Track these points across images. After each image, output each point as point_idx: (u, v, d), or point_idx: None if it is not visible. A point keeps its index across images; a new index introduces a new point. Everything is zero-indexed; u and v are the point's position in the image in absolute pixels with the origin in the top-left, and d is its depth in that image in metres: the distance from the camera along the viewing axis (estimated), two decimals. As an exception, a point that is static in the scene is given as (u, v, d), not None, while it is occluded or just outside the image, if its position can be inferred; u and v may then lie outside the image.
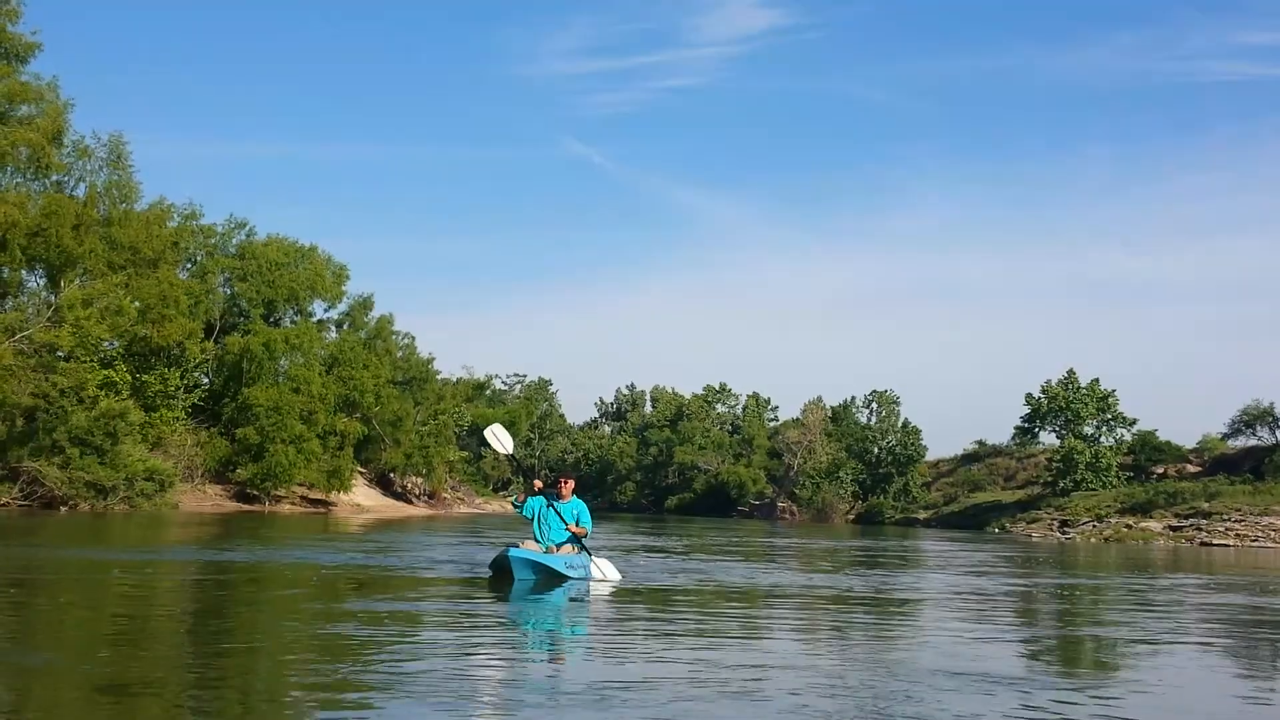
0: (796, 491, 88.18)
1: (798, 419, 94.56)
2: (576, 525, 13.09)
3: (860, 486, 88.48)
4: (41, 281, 34.66)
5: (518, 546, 12.25)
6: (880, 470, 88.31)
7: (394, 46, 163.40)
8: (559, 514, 13.07)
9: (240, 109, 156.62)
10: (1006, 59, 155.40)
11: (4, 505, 27.47)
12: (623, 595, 11.17)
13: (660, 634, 7.99)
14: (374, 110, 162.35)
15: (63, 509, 28.34)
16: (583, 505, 13.39)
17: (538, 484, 13.50)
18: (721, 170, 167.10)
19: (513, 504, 13.59)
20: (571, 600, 10.95)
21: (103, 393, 32.26)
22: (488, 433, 13.97)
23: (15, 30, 31.07)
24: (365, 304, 57.09)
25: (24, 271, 33.64)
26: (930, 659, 7.58)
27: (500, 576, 11.86)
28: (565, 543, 12.94)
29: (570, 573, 12.26)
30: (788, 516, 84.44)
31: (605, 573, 13.18)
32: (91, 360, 32.77)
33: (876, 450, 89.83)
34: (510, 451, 14.13)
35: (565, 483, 13.37)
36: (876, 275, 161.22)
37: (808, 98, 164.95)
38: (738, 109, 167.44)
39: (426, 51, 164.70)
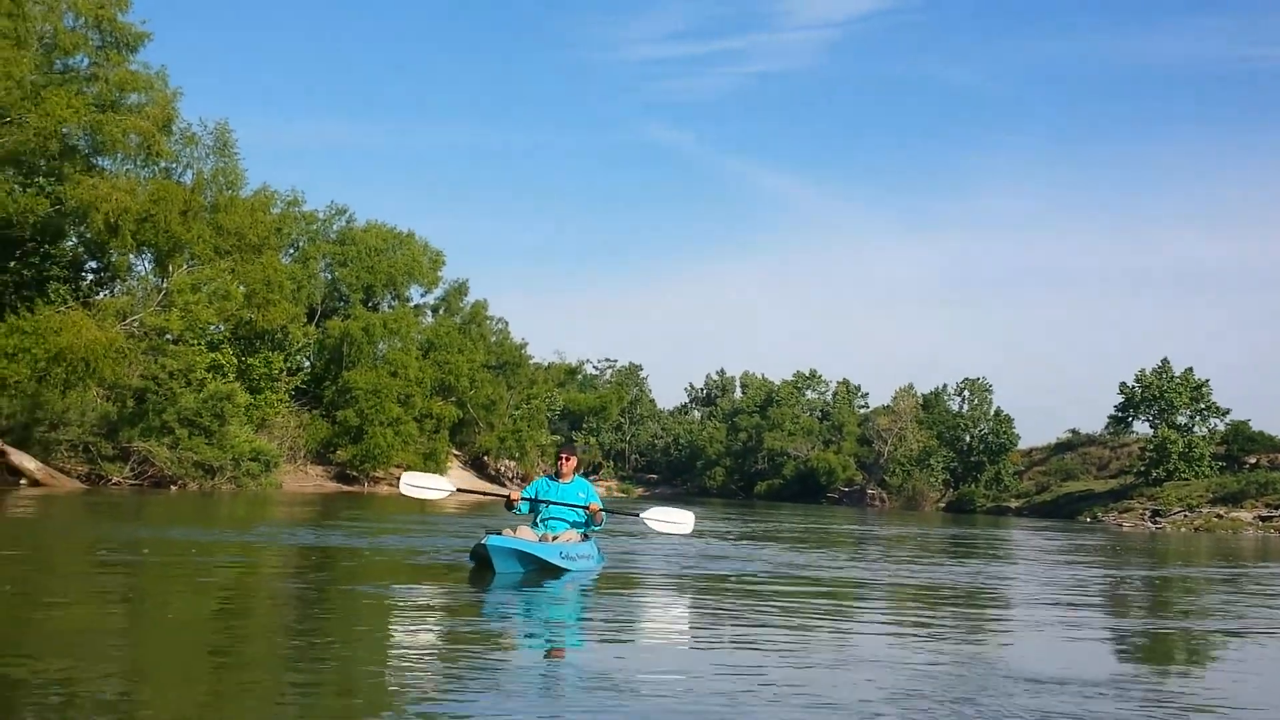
0: (886, 479, 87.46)
1: (888, 406, 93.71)
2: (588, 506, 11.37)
3: (951, 474, 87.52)
4: (149, 266, 35.84)
5: (499, 533, 10.30)
6: (972, 458, 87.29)
7: (487, 33, 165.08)
8: (568, 502, 11.32)
9: (337, 96, 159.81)
10: (1098, 41, 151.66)
11: (116, 484, 28.55)
12: (710, 585, 10.99)
13: (745, 626, 7.97)
14: (466, 97, 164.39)
15: (172, 488, 29.38)
16: (589, 487, 11.60)
17: (514, 495, 11.45)
18: (812, 155, 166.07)
19: (515, 512, 11.49)
20: (650, 591, 10.72)
21: (210, 375, 33.34)
22: (404, 486, 12.20)
23: (125, 20, 32.03)
24: (460, 289, 58.03)
25: (132, 256, 34.83)
26: (1020, 654, 7.56)
27: (482, 568, 10.09)
28: (567, 530, 11.11)
29: (566, 564, 10.38)
30: (877, 503, 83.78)
31: (669, 519, 12.29)
32: (199, 343, 33.86)
33: (968, 438, 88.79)
34: (446, 491, 12.39)
35: (566, 459, 11.45)
36: (968, 262, 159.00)
37: (897, 81, 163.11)
38: (827, 93, 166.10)
39: (516, 38, 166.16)
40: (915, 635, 8.14)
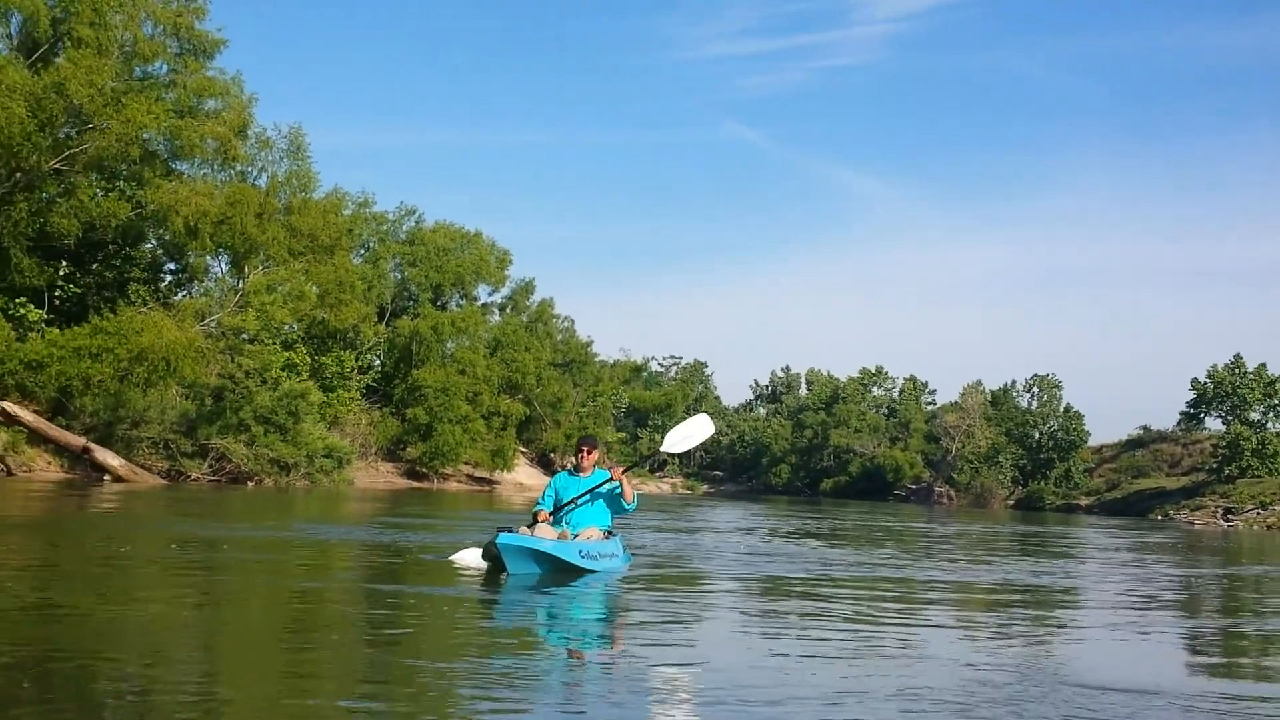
0: (954, 476, 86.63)
1: (956, 403, 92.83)
2: (610, 497, 10.63)
3: (1020, 471, 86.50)
4: (225, 267, 36.71)
5: (512, 530, 9.61)
6: (1041, 455, 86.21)
7: (558, 33, 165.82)
8: (591, 487, 10.60)
9: (407, 98, 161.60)
10: (1172, 35, 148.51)
11: (195, 480, 29.30)
12: (773, 585, 10.97)
13: (808, 626, 8.01)
14: (537, 96, 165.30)
15: (249, 484, 30.07)
16: (608, 475, 10.81)
17: (544, 515, 10.47)
18: (881, 151, 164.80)
19: (535, 513, 10.67)
20: (714, 592, 10.52)
21: (285, 374, 34.05)
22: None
23: (203, 28, 32.82)
24: (527, 288, 58.55)
25: (209, 258, 35.70)
26: (1088, 656, 7.50)
27: (496, 567, 9.47)
28: (589, 527, 10.44)
29: (586, 564, 9.68)
30: (945, 501, 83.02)
31: (687, 431, 11.59)
32: (274, 343, 34.59)
33: (1037, 435, 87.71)
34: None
35: (587, 452, 10.83)
36: (1038, 257, 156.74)
37: (966, 76, 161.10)
38: (896, 88, 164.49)
39: (586, 36, 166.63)
40: (982, 635, 8.16)
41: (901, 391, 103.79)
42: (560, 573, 9.39)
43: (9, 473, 25.73)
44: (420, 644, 6.37)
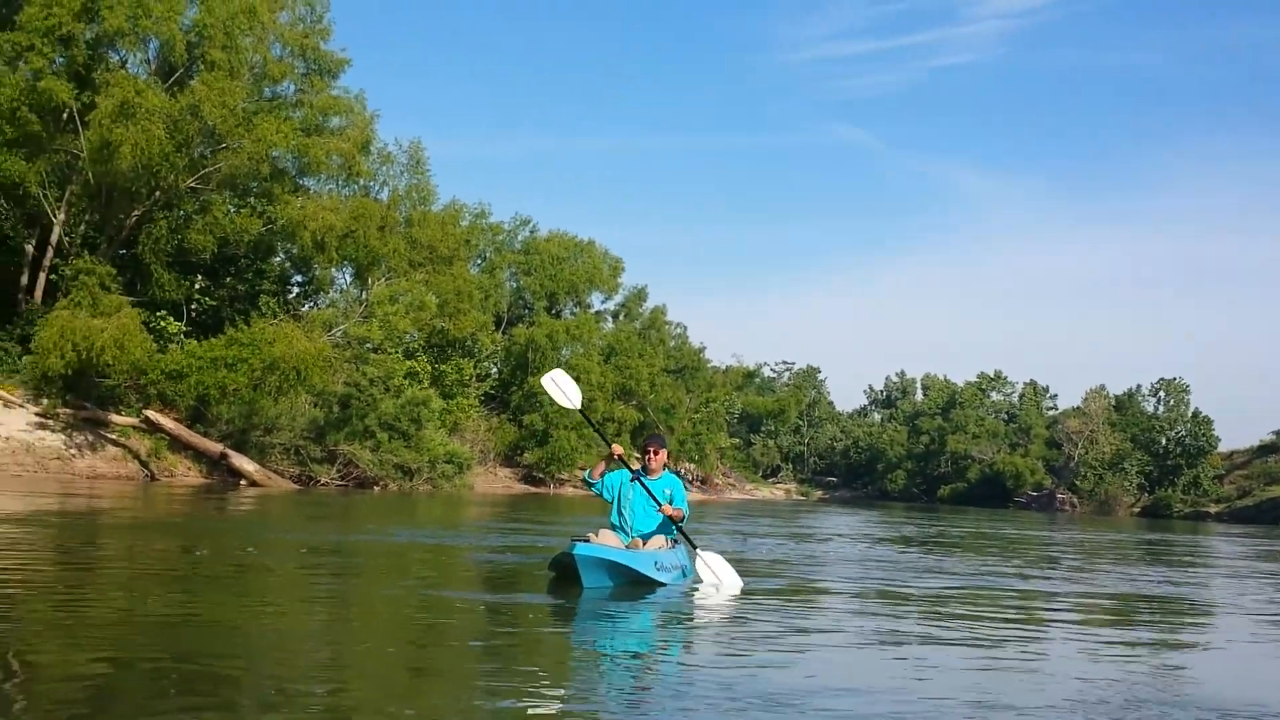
0: (1077, 483, 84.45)
1: (1079, 408, 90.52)
2: (670, 506, 9.99)
3: (1146, 478, 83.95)
4: (349, 279, 37.93)
5: (586, 540, 9.15)
6: (1168, 461, 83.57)
7: (661, 38, 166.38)
8: (648, 492, 9.95)
9: (518, 107, 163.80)
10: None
11: (324, 485, 30.31)
12: (888, 595, 10.72)
13: (927, 637, 7.93)
14: (642, 103, 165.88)
15: (375, 489, 31.01)
16: (677, 482, 10.33)
17: (618, 449, 10.18)
18: (996, 149, 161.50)
19: (584, 479, 10.53)
20: (828, 602, 10.16)
21: (407, 382, 35.01)
22: (546, 381, 11.15)
23: (327, 48, 33.99)
24: (639, 295, 59.05)
25: (334, 270, 36.94)
26: (1216, 672, 7.37)
27: (565, 578, 8.98)
28: (656, 533, 9.97)
29: (660, 575, 9.26)
30: (1067, 508, 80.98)
31: (720, 575, 9.94)
32: (397, 352, 35.59)
33: (1164, 440, 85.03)
34: (575, 405, 10.92)
35: (654, 452, 10.26)
36: (1163, 257, 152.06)
37: (1082, 71, 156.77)
38: (1008, 86, 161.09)
39: (695, 41, 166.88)
40: (1106, 648, 8.00)
41: (1021, 396, 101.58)
42: (631, 584, 8.97)
43: (152, 477, 27.02)
44: (532, 655, 6.46)
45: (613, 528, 9.97)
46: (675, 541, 10.18)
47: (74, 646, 5.51)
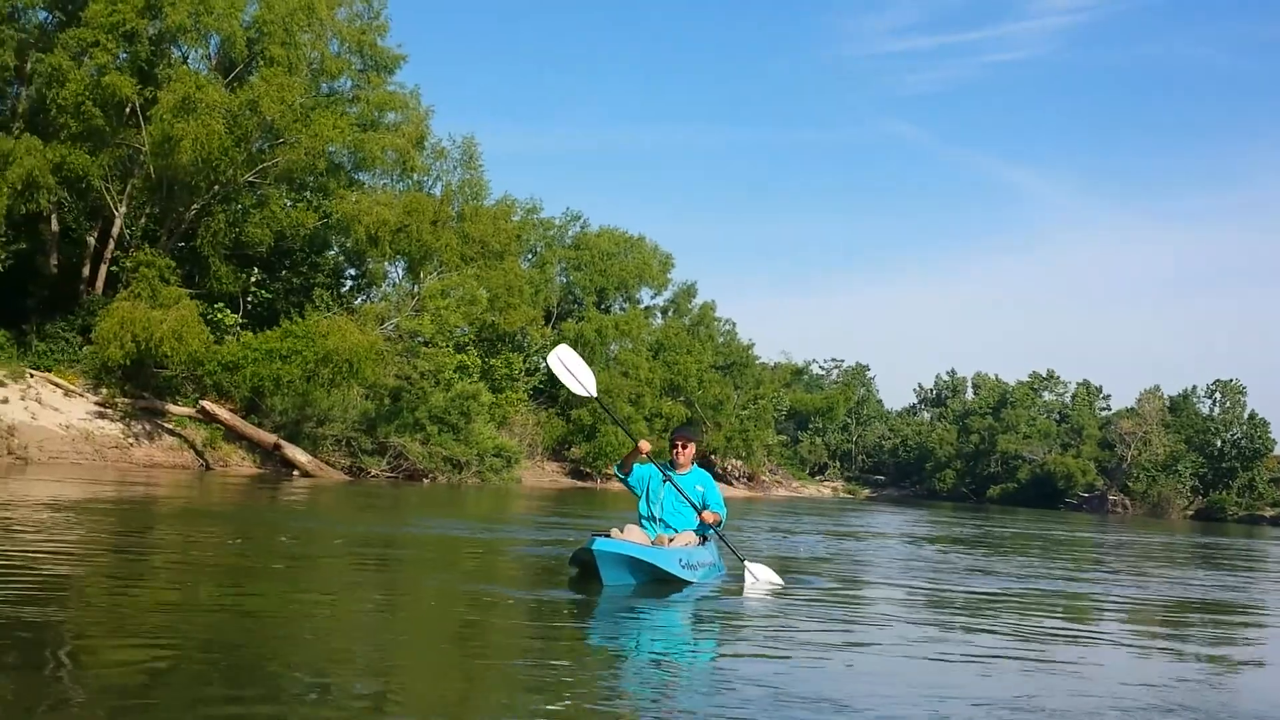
0: (1130, 484, 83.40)
1: (1132, 408, 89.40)
2: (704, 508, 9.56)
3: (1200, 481, 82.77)
4: (401, 273, 38.32)
5: (606, 535, 8.71)
6: (1223, 464, 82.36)
7: (717, 33, 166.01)
8: (677, 488, 9.53)
9: (568, 102, 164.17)
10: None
11: (374, 476, 30.70)
12: (936, 601, 10.59)
13: (975, 641, 7.87)
14: (693, 97, 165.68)
15: (425, 481, 31.35)
16: (709, 479, 9.86)
17: (645, 446, 9.50)
18: (1053, 147, 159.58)
19: (614, 472, 10.01)
20: (873, 604, 9.91)
21: (457, 375, 35.33)
22: (552, 360, 10.44)
23: (384, 44, 34.39)
24: (689, 291, 59.09)
25: (387, 264, 37.33)
26: (1272, 681, 7.35)
27: (586, 575, 8.66)
28: (685, 530, 9.51)
29: (686, 573, 8.87)
30: (1119, 510, 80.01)
31: (759, 576, 9.68)
32: (448, 346, 35.93)
33: (1219, 443, 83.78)
34: (589, 391, 10.30)
35: (683, 445, 9.76)
36: (1218, 255, 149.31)
37: (1143, 67, 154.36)
38: (1068, 82, 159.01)
39: (747, 37, 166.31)
40: (1155, 654, 7.93)
41: (1074, 396, 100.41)
42: (656, 582, 8.62)
43: (207, 467, 27.52)
44: (571, 652, 6.47)
45: (641, 521, 9.59)
46: (705, 537, 9.76)
47: (124, 635, 5.63)
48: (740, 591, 9.29)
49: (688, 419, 51.78)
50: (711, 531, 9.74)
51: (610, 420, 45.16)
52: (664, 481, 9.55)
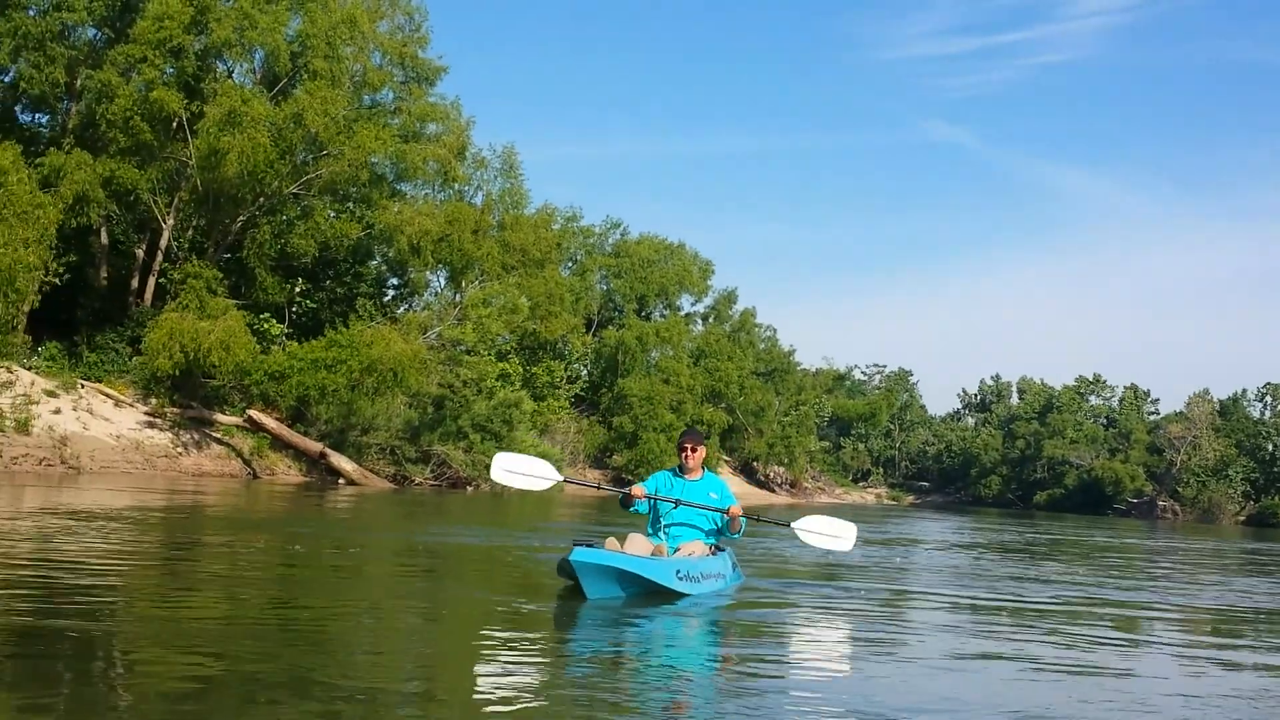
0: (1179, 490, 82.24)
1: (1181, 412, 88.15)
2: (742, 513, 9.03)
3: (1251, 486, 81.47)
4: (443, 282, 38.62)
5: (589, 546, 7.75)
6: (1275, 469, 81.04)
7: (758, 37, 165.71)
8: (692, 504, 8.93)
9: (607, 109, 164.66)
10: None
11: (419, 484, 30.90)
12: (982, 609, 10.38)
13: (1019, 650, 7.81)
14: (731, 103, 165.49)
15: (468, 489, 31.52)
16: (721, 484, 9.24)
17: (638, 491, 8.98)
18: (1097, 148, 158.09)
19: (620, 503, 9.29)
20: (916, 611, 9.67)
21: (499, 384, 35.52)
22: (496, 473, 9.59)
23: (425, 56, 34.72)
24: (729, 297, 59.10)
25: (428, 273, 37.66)
26: None
27: (576, 585, 7.92)
28: (694, 540, 8.87)
29: (683, 586, 8.15)
30: (1169, 516, 78.87)
31: (834, 530, 9.58)
32: (489, 354, 36.14)
33: (1271, 447, 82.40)
34: (552, 479, 9.56)
35: (692, 449, 9.11)
36: (1267, 255, 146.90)
37: (1194, 65, 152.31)
38: (1116, 82, 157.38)
39: (787, 41, 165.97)
40: (1208, 665, 7.82)
41: (1121, 400, 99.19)
42: (651, 595, 7.98)
43: (255, 475, 27.85)
44: (619, 663, 6.44)
45: (649, 531, 9.02)
46: (717, 548, 9.10)
47: (170, 646, 5.65)
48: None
49: (729, 426, 51.73)
50: (734, 536, 9.19)
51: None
52: (675, 507, 8.88)
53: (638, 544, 8.43)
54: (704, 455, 9.22)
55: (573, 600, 7.84)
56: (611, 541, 8.27)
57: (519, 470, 9.51)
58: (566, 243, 47.92)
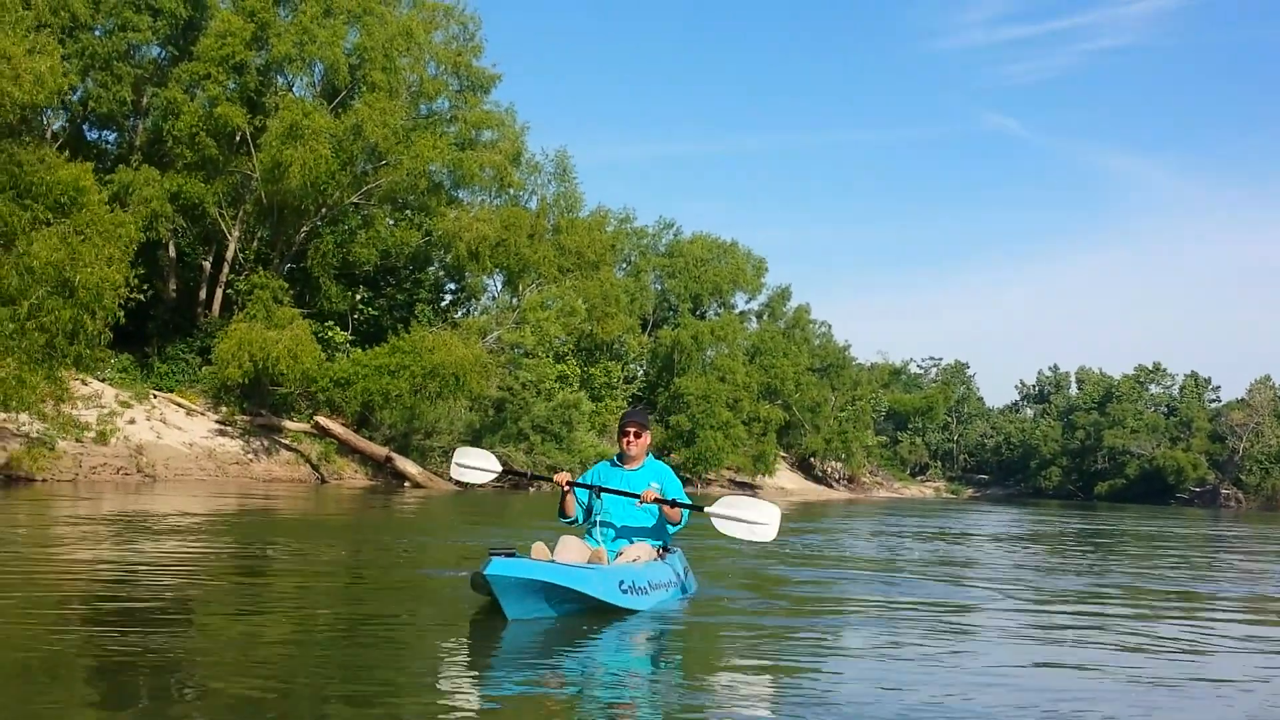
0: (1242, 477, 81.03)
1: (1243, 399, 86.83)
2: (659, 496, 7.39)
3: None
4: (499, 286, 39.16)
5: (512, 553, 6.35)
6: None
7: (809, 32, 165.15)
8: (613, 491, 7.52)
9: (658, 108, 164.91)
10: None
11: (481, 486, 31.35)
12: (1044, 599, 10.23)
13: (1080, 641, 7.78)
14: (783, 97, 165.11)
15: (530, 490, 31.96)
16: (667, 471, 7.80)
17: (562, 477, 7.66)
18: (1155, 135, 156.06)
19: (559, 516, 7.85)
20: (969, 603, 9.32)
21: (558, 385, 35.95)
22: (455, 471, 8.85)
23: (479, 64, 35.21)
24: (783, 294, 59.19)
25: (485, 278, 38.20)
26: None
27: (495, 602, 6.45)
28: (637, 544, 7.49)
29: (627, 601, 6.79)
30: (1233, 504, 77.77)
31: (751, 515, 7.73)
32: (548, 356, 36.60)
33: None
34: (495, 469, 8.65)
35: (635, 435, 7.69)
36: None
37: (1250, 49, 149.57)
38: (1173, 67, 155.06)
39: (839, 35, 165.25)
40: (1277, 659, 7.82)
41: (1182, 389, 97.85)
42: (592, 611, 6.62)
43: (322, 480, 28.50)
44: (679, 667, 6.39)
45: (585, 533, 7.64)
46: (667, 549, 7.78)
47: (239, 660, 5.58)
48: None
49: (786, 423, 51.78)
50: (674, 529, 7.74)
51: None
52: (597, 495, 7.55)
53: (571, 550, 7.05)
54: (648, 442, 7.83)
55: (491, 623, 6.43)
56: (539, 547, 6.81)
57: (469, 464, 8.69)
58: (621, 244, 48.33)
